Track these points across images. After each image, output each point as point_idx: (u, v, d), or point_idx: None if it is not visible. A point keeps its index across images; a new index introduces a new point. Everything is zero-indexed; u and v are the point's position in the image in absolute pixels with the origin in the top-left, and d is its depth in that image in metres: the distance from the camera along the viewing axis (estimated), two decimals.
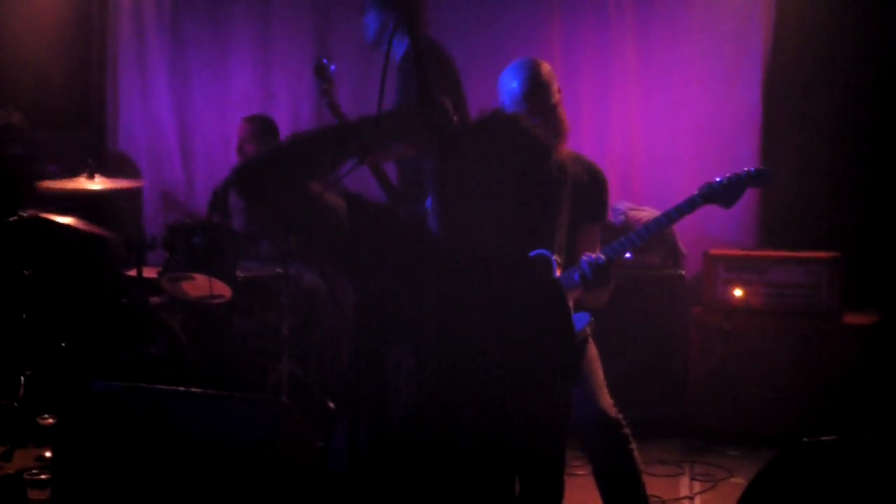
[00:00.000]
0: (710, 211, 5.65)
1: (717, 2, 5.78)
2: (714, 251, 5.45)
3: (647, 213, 5.41)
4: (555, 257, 3.55)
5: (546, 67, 3.65)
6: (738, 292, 5.28)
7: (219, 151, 6.58)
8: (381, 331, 2.20)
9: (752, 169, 3.58)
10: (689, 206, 3.53)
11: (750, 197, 5.73)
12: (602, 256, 3.41)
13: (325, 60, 4.62)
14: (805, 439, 2.18)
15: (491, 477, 2.19)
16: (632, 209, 5.58)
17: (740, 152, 5.72)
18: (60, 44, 6.60)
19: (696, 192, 3.55)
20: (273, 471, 2.83)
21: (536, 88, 3.58)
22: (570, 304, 3.51)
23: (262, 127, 5.96)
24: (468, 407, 2.13)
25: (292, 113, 6.60)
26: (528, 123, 2.25)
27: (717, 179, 3.55)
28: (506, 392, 2.14)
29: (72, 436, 3.17)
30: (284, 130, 6.31)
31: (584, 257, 3.41)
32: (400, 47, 4.24)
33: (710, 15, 5.80)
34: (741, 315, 5.25)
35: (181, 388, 3.29)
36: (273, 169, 2.14)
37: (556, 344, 2.19)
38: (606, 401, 3.57)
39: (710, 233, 5.76)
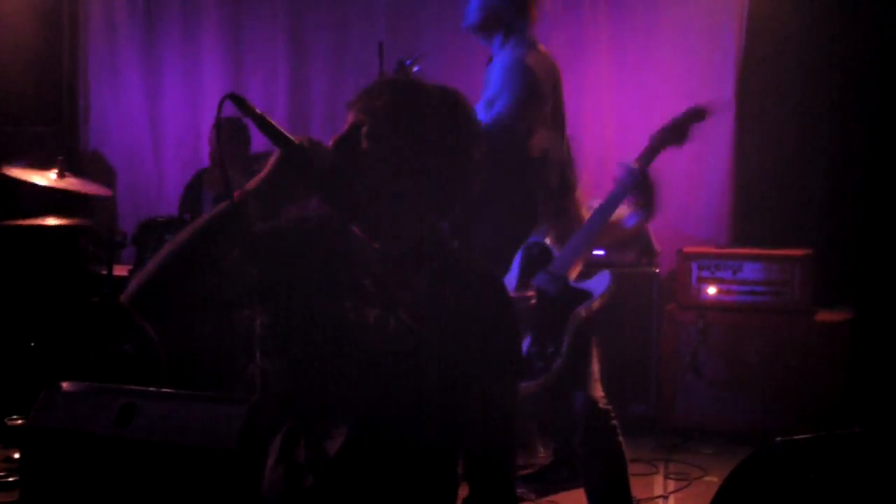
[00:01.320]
0: (685, 208, 5.74)
1: (690, 1, 5.79)
2: (688, 249, 5.45)
3: (620, 210, 5.40)
4: (547, 240, 3.55)
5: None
6: (711, 290, 5.29)
7: (191, 148, 6.55)
8: (296, 342, 2.15)
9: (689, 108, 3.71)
10: (650, 153, 3.69)
11: (723, 194, 5.75)
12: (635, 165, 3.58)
13: (408, 62, 4.43)
14: (778, 438, 2.18)
15: (431, 476, 2.16)
16: None
17: (713, 150, 5.73)
18: (31, 39, 6.54)
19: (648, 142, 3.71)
20: (245, 470, 2.80)
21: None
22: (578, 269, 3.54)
23: (231, 129, 5.92)
24: (395, 408, 2.10)
25: (265, 110, 6.53)
26: (413, 80, 2.18)
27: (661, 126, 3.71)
28: (433, 391, 2.10)
29: (40, 437, 3.14)
30: (256, 129, 6.27)
31: (619, 171, 3.56)
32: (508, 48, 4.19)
33: (683, 13, 5.80)
34: (715, 312, 5.26)
35: (152, 388, 3.26)
36: (166, 286, 2.04)
37: (490, 338, 2.14)
38: (598, 390, 3.57)
39: (683, 230, 5.77)
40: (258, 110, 2.11)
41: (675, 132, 3.67)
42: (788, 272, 5.21)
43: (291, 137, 2.09)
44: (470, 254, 2.28)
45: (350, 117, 2.15)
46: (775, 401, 5.10)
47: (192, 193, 5.97)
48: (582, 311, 3.48)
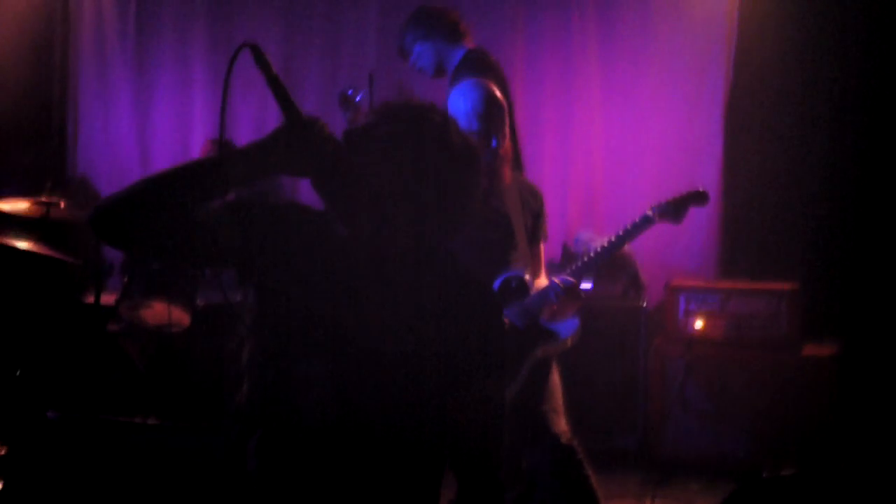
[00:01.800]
0: (672, 242, 5.77)
1: (679, 29, 5.83)
2: (675, 282, 5.47)
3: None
4: (527, 276, 3.58)
5: (498, 89, 3.69)
6: (698, 323, 5.30)
7: None
8: (288, 345, 2.12)
9: (693, 189, 3.85)
10: (644, 222, 3.80)
11: (710, 227, 5.78)
12: (570, 279, 3.62)
13: (349, 91, 4.58)
14: (764, 474, 2.19)
15: (417, 478, 2.16)
16: (593, 238, 5.60)
17: (702, 180, 5.75)
18: (21, 63, 6.54)
19: (648, 211, 3.79)
20: (230, 501, 2.80)
21: (492, 108, 3.59)
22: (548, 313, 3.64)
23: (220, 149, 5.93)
24: (392, 408, 2.09)
25: (255, 136, 6.57)
26: (420, 102, 2.15)
27: (663, 201, 3.81)
28: (433, 390, 2.11)
29: (24, 466, 3.13)
30: (242, 126, 6.32)
31: (553, 280, 3.62)
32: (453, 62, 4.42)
33: (672, 43, 5.85)
34: (702, 346, 5.27)
35: (138, 420, 3.26)
36: (129, 212, 2.00)
37: (484, 338, 2.15)
38: (560, 426, 3.59)
39: (671, 263, 5.80)
40: (274, 69, 2.09)
41: (675, 210, 3.81)
42: (775, 306, 5.23)
43: (300, 110, 2.06)
44: (459, 260, 2.27)
45: (362, 117, 2.16)
46: (762, 434, 5.10)
47: None
48: (539, 351, 3.59)
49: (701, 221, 5.77)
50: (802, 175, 5.67)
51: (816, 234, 5.62)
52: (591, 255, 3.75)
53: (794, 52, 5.62)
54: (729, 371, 5.22)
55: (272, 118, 6.52)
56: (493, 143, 3.55)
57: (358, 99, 4.47)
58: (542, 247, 3.82)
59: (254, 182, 2.09)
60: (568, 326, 3.64)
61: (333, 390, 2.10)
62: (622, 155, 5.98)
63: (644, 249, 5.70)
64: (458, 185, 2.11)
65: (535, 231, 3.77)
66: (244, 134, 6.52)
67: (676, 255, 5.82)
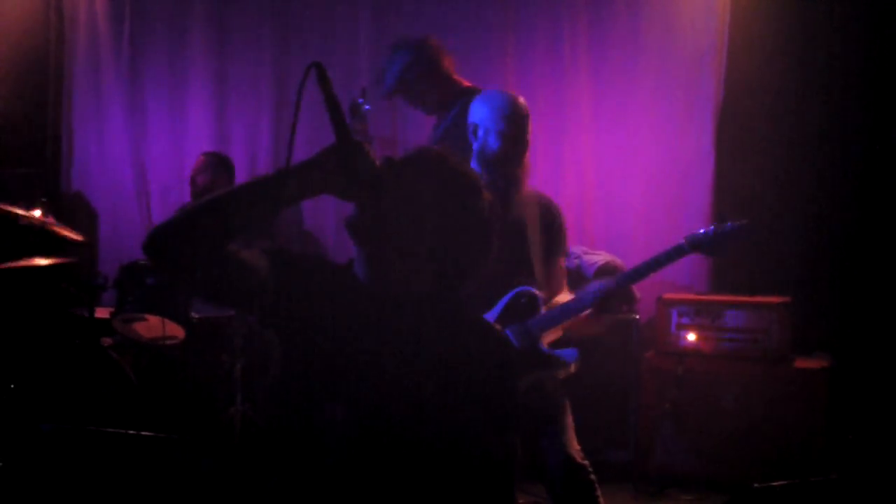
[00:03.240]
0: None
1: (670, 49, 5.85)
2: (667, 296, 5.47)
3: (602, 256, 5.45)
4: (539, 293, 3.56)
5: (522, 99, 3.70)
6: (691, 337, 5.30)
7: (175, 190, 6.55)
8: (311, 386, 2.15)
9: (741, 223, 3.57)
10: (677, 252, 3.62)
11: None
12: (611, 284, 3.55)
13: (360, 100, 4.56)
14: (755, 485, 2.19)
15: None
16: (586, 253, 5.61)
17: (692, 198, 5.78)
18: (15, 80, 6.55)
19: (682, 241, 3.61)
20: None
21: (518, 112, 3.64)
22: (553, 337, 3.59)
23: (217, 160, 5.96)
24: (406, 456, 2.10)
25: (249, 153, 6.60)
26: (456, 159, 2.21)
27: (702, 231, 3.59)
28: (445, 441, 2.10)
29: (18, 479, 3.12)
30: (241, 169, 6.31)
31: (591, 285, 3.54)
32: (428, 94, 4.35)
33: (663, 63, 5.87)
34: (694, 359, 5.27)
35: (131, 432, 3.25)
36: (187, 233, 2.05)
37: (495, 391, 2.15)
38: (573, 446, 3.56)
39: (663, 277, 5.78)
40: (333, 90, 2.16)
41: (718, 242, 3.56)
42: (767, 320, 5.23)
43: (350, 132, 2.11)
44: (470, 308, 2.29)
45: (398, 158, 2.19)
46: (753, 448, 5.09)
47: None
48: (538, 377, 3.56)
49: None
50: (794, 189, 5.68)
51: (808, 248, 5.63)
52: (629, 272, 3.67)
53: (785, 68, 5.64)
54: (721, 384, 5.22)
55: (265, 133, 6.54)
56: (521, 149, 3.61)
57: (366, 108, 4.46)
58: (560, 261, 3.78)
59: (302, 200, 2.12)
60: (569, 354, 3.57)
61: (354, 433, 2.11)
62: (614, 171, 5.99)
63: (636, 263, 5.69)
64: (479, 247, 2.19)
65: (552, 246, 3.74)
66: (238, 151, 6.53)
67: (668, 268, 5.80)
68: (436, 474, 2.11)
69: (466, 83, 4.55)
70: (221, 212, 2.06)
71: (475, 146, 3.67)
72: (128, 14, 6.72)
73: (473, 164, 3.66)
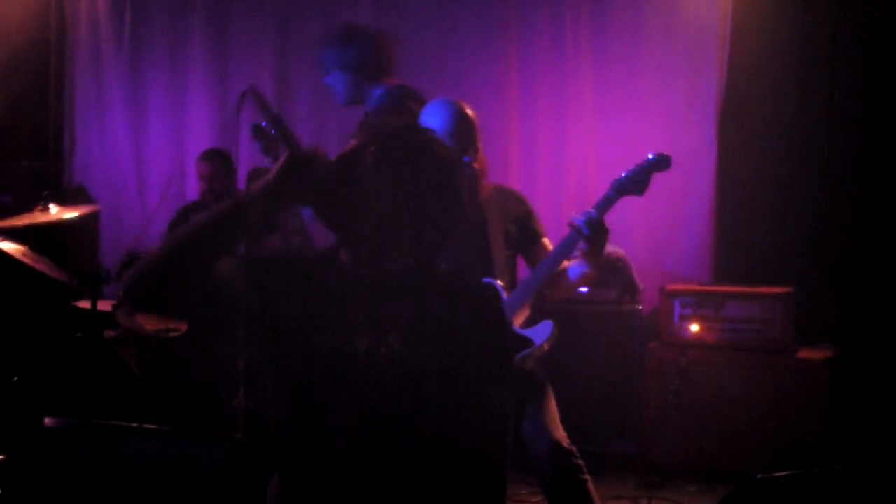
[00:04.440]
0: (667, 246, 5.77)
1: (672, 41, 5.84)
2: (670, 286, 5.47)
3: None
4: (499, 283, 3.59)
5: (468, 107, 3.70)
6: (694, 327, 5.30)
7: (176, 183, 6.55)
8: (308, 376, 2.16)
9: (652, 155, 3.66)
10: (607, 202, 3.60)
11: (705, 232, 5.78)
12: (593, 211, 3.51)
13: (263, 124, 4.51)
14: (759, 476, 2.19)
15: (430, 487, 2.17)
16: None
17: (695, 188, 5.77)
18: (17, 74, 6.55)
19: (609, 189, 3.63)
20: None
21: (464, 126, 3.62)
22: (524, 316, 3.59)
23: (224, 162, 5.93)
24: (407, 422, 2.12)
25: (250, 148, 6.58)
26: (433, 136, 2.22)
27: (623, 174, 3.65)
28: (441, 401, 2.12)
29: (22, 473, 3.12)
30: (242, 164, 6.30)
31: (574, 218, 3.50)
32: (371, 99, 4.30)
33: (666, 52, 5.86)
34: (697, 350, 5.27)
35: (134, 424, 3.25)
36: (166, 278, 2.07)
37: (489, 348, 2.17)
38: (559, 433, 3.59)
39: (666, 268, 5.80)
40: (274, 109, 2.17)
41: (638, 181, 3.64)
42: (770, 310, 5.23)
43: (299, 143, 2.16)
44: (458, 272, 2.31)
45: (354, 140, 2.20)
46: (757, 438, 5.10)
47: (177, 226, 5.96)
48: (518, 359, 3.54)
49: (696, 226, 5.78)
50: (797, 180, 5.67)
51: (811, 239, 5.63)
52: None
53: (787, 58, 5.63)
54: (724, 375, 5.22)
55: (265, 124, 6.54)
56: (466, 158, 3.59)
57: (273, 132, 4.39)
58: (543, 243, 3.79)
59: (273, 219, 2.15)
60: (541, 331, 3.58)
61: (356, 416, 2.13)
62: (616, 161, 5.97)
63: (639, 254, 5.70)
64: (449, 197, 2.17)
65: (527, 232, 3.77)
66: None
67: (671, 259, 5.82)
68: (431, 446, 2.12)
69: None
70: (195, 251, 2.08)
71: None
72: (129, 7, 6.72)
73: None
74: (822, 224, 5.62)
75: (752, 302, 5.28)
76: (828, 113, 5.62)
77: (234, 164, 5.96)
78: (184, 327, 5.16)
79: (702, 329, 5.30)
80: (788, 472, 2.21)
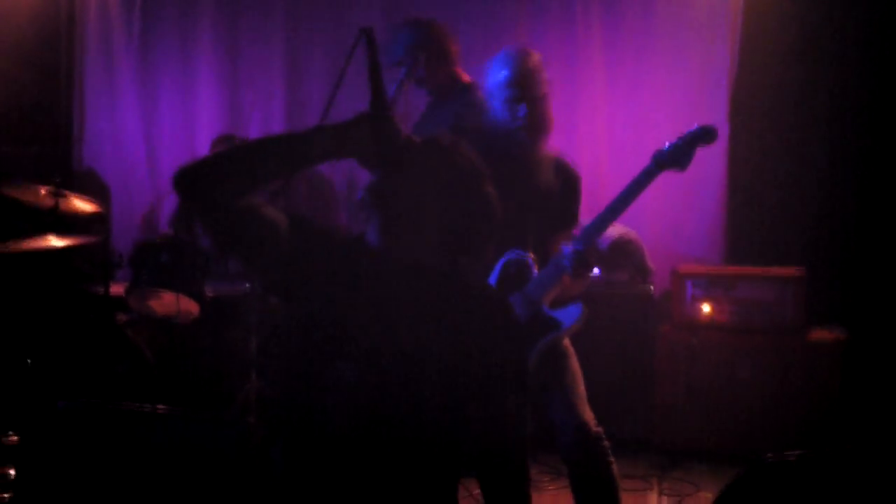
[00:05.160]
0: (678, 228, 5.76)
1: (683, 21, 5.82)
2: (682, 268, 5.47)
3: (615, 229, 5.43)
4: (531, 256, 3.55)
5: (535, 57, 3.65)
6: (705, 309, 5.30)
7: None
8: (321, 349, 2.19)
9: (697, 126, 3.56)
10: (647, 175, 3.57)
11: (716, 213, 5.77)
12: (578, 246, 3.46)
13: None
14: (769, 456, 2.19)
15: (434, 482, 2.19)
16: None
17: (707, 169, 5.75)
18: (27, 59, 6.55)
19: (650, 162, 3.57)
20: (238, 492, 2.81)
21: (525, 75, 3.57)
22: (552, 297, 3.54)
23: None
24: (414, 417, 2.14)
25: (262, 130, 6.59)
26: (467, 149, 2.26)
27: (666, 145, 3.56)
28: (454, 403, 2.14)
29: (36, 455, 3.14)
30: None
31: (563, 250, 3.47)
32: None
33: (677, 34, 5.84)
34: (708, 331, 5.27)
35: (147, 407, 3.26)
36: (217, 171, 2.12)
37: (504, 356, 2.20)
38: (587, 414, 3.56)
39: (677, 249, 5.79)
40: (378, 59, 2.24)
41: (680, 154, 3.55)
42: (781, 291, 5.23)
43: (387, 103, 2.20)
44: (478, 277, 2.35)
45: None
46: (768, 419, 5.11)
47: (184, 211, 5.98)
48: (545, 343, 3.51)
49: (707, 207, 5.77)
50: (809, 160, 5.66)
51: (822, 220, 5.62)
52: (596, 217, 3.58)
53: (799, 38, 5.61)
54: (735, 356, 5.23)
55: (277, 112, 6.54)
56: (523, 111, 3.54)
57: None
58: (570, 234, 3.71)
59: (329, 159, 2.18)
60: (571, 313, 3.53)
61: (363, 395, 2.15)
62: (627, 143, 5.97)
63: (650, 236, 5.70)
64: (482, 231, 2.25)
65: (565, 215, 3.71)
66: (251, 131, 6.54)
67: (683, 241, 5.81)
68: (443, 434, 2.15)
69: (466, 77, 4.51)
70: (252, 158, 2.14)
71: (491, 113, 3.64)
72: None
73: (487, 125, 3.64)
74: (834, 205, 5.61)
75: (763, 283, 5.27)
76: (840, 93, 5.60)
77: None
78: (195, 311, 5.17)
79: (713, 310, 5.30)
80: (799, 453, 2.21)
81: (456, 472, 2.24)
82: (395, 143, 2.16)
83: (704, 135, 3.53)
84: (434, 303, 2.19)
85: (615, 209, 3.57)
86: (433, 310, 2.19)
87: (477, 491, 3.61)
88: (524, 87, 3.57)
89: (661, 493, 4.85)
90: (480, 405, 2.16)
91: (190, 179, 2.13)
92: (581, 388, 3.61)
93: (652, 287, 5.51)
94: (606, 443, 3.57)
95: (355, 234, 2.31)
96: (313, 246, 2.22)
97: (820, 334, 5.22)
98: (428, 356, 2.14)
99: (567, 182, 3.75)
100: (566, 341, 3.64)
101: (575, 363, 3.65)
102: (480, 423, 2.17)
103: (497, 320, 2.23)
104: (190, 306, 5.16)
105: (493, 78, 3.61)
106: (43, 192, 5.08)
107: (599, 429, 3.56)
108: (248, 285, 5.22)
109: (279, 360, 2.27)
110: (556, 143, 5.94)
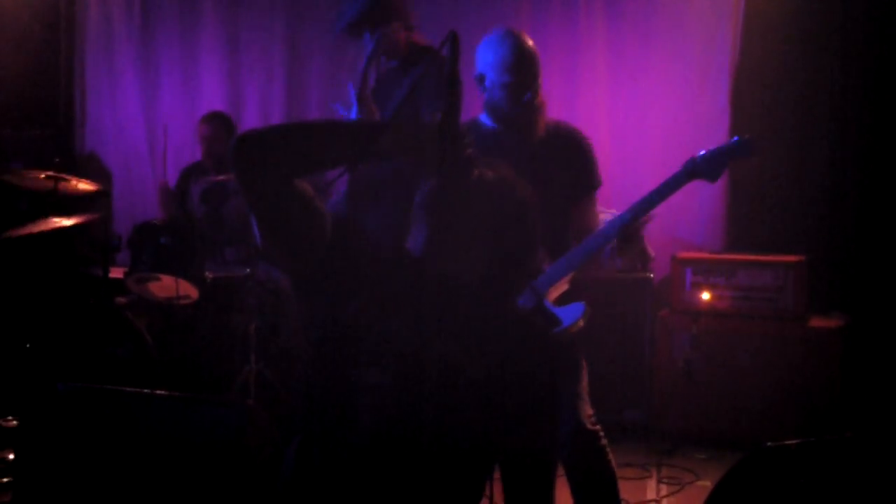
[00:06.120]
0: (679, 214, 5.75)
1: (686, 5, 5.80)
2: (682, 254, 5.46)
3: (605, 214, 5.42)
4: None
5: (529, 39, 3.52)
6: (705, 295, 5.30)
7: (188, 150, 6.55)
8: (353, 353, 2.15)
9: (735, 139, 3.41)
10: (675, 183, 3.40)
11: (717, 200, 5.76)
12: (626, 213, 3.33)
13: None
14: (769, 444, 2.19)
15: (458, 492, 2.17)
16: (601, 212, 5.58)
17: None
18: (27, 42, 6.54)
19: (680, 169, 3.41)
20: (239, 475, 2.80)
21: (525, 59, 3.45)
22: (558, 292, 3.38)
23: (225, 125, 5.94)
24: (446, 428, 2.11)
25: (262, 112, 6.59)
26: (524, 182, 2.25)
27: (701, 153, 3.39)
28: (486, 416, 2.12)
29: (35, 438, 3.13)
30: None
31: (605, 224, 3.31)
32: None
33: (679, 19, 5.82)
34: (708, 318, 5.27)
35: (146, 390, 3.26)
36: (274, 146, 2.05)
37: (538, 374, 2.20)
38: (586, 410, 3.46)
39: (678, 236, 5.78)
40: (458, 66, 2.14)
41: (715, 165, 3.36)
42: (782, 278, 5.22)
43: (457, 112, 2.14)
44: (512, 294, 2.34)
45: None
46: (768, 406, 5.11)
47: (179, 191, 5.98)
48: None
49: (708, 193, 5.75)
50: (810, 147, 5.65)
51: (823, 206, 5.61)
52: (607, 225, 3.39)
53: (801, 23, 5.59)
54: (735, 343, 5.22)
55: (277, 95, 6.53)
56: (528, 96, 3.44)
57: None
58: (592, 198, 3.59)
59: (389, 157, 2.15)
60: (572, 312, 3.33)
61: (394, 400, 2.12)
62: (628, 128, 5.96)
63: (651, 224, 5.67)
64: (525, 254, 2.25)
65: (579, 180, 3.55)
66: (251, 112, 6.53)
67: (683, 227, 5.80)
68: (474, 444, 2.13)
69: (422, 41, 4.38)
70: (320, 138, 2.10)
71: (485, 96, 3.54)
72: None
73: (482, 116, 3.56)
74: (835, 191, 5.60)
75: (763, 270, 5.27)
76: (841, 80, 5.59)
77: (234, 127, 5.98)
78: (195, 295, 5.17)
79: (713, 297, 5.30)
80: (799, 440, 2.21)
81: (480, 489, 2.21)
82: (461, 156, 2.13)
83: (742, 147, 3.38)
84: (471, 318, 2.18)
85: (630, 216, 3.40)
86: (470, 324, 2.17)
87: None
88: (527, 70, 3.45)
89: (659, 481, 4.85)
90: (513, 422, 2.15)
91: (253, 147, 2.05)
92: (582, 385, 3.52)
93: (651, 274, 5.50)
94: (603, 441, 3.50)
95: (395, 240, 2.25)
96: (353, 247, 2.18)
97: (821, 321, 5.22)
98: (463, 370, 2.12)
99: (576, 149, 3.59)
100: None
101: (579, 359, 3.56)
102: (512, 437, 2.15)
103: (532, 340, 2.22)
104: (189, 290, 5.16)
105: (489, 59, 3.46)
106: (42, 175, 5.07)
107: (596, 427, 3.49)
108: (248, 270, 5.22)
109: (311, 363, 2.21)
110: None
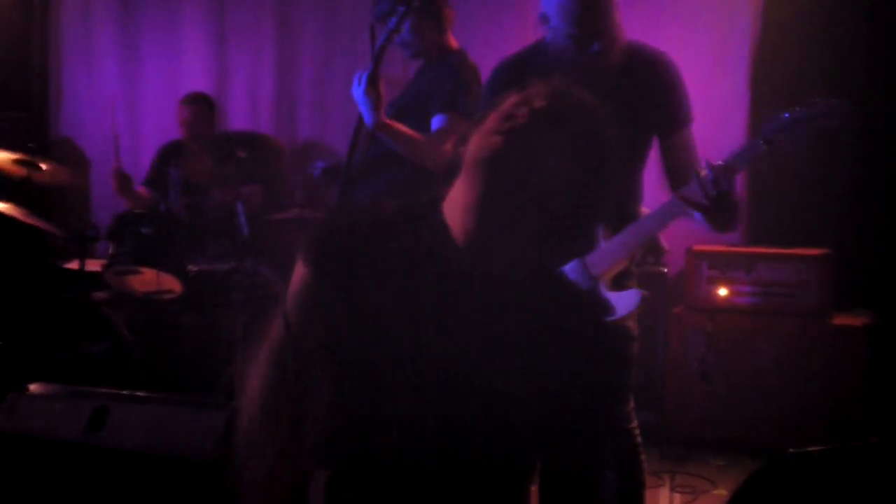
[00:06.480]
0: None
1: None
2: (698, 247, 5.45)
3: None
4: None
5: None
6: (722, 291, 5.29)
7: (171, 135, 6.54)
8: (385, 356, 2.00)
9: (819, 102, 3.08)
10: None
11: (736, 189, 5.74)
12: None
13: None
14: (791, 450, 2.17)
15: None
16: None
17: (725, 141, 5.69)
18: None
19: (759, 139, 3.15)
20: (222, 480, 2.79)
21: (590, 8, 3.29)
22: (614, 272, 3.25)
23: (206, 106, 5.96)
24: (492, 459, 2.02)
25: (249, 92, 6.58)
26: (600, 113, 1.99)
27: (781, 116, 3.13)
28: (524, 435, 2.04)
29: (5, 441, 3.13)
30: (242, 109, 6.30)
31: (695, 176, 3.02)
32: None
33: (698, 3, 5.82)
34: (725, 315, 5.26)
35: (124, 391, 3.25)
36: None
37: (596, 381, 2.06)
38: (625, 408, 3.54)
39: (693, 227, 5.76)
40: None
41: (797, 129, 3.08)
42: (804, 273, 5.21)
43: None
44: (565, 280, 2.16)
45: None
46: (789, 410, 5.09)
47: (156, 171, 6.00)
48: None
49: None
50: (832, 138, 5.62)
51: (848, 197, 5.59)
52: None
53: (822, 10, 5.57)
54: (754, 342, 5.21)
55: (267, 74, 6.51)
56: (595, 47, 3.30)
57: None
58: (684, 133, 3.43)
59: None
60: (627, 302, 3.19)
61: (422, 426, 1.99)
62: None
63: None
64: (593, 216, 2.06)
65: (665, 117, 3.40)
66: (238, 91, 6.52)
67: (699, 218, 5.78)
68: (508, 469, 2.07)
69: (455, 44, 4.44)
70: None
71: (548, 37, 3.40)
72: None
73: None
74: (861, 181, 5.58)
75: (784, 264, 5.25)
76: (866, 65, 5.57)
77: (216, 109, 5.98)
78: (177, 289, 5.15)
79: (731, 293, 5.29)
80: (822, 447, 2.19)
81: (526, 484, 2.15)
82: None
83: (830, 115, 3.06)
84: (522, 327, 2.00)
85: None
86: (520, 337, 2.00)
87: None
88: (596, 21, 3.29)
89: (673, 490, 4.83)
90: (560, 441, 2.07)
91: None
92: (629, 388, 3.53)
93: (665, 268, 5.48)
94: (638, 439, 3.52)
95: (421, 204, 2.08)
96: (382, 235, 2.01)
97: (845, 319, 5.20)
98: (511, 394, 1.99)
99: (656, 78, 3.47)
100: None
101: (630, 354, 3.53)
102: (559, 457, 2.08)
103: (586, 338, 2.06)
104: (171, 283, 5.14)
105: (555, 4, 3.29)
106: (14, 160, 5.06)
107: (632, 424, 3.50)
108: (233, 263, 5.21)
109: (338, 365, 2.05)
110: None
